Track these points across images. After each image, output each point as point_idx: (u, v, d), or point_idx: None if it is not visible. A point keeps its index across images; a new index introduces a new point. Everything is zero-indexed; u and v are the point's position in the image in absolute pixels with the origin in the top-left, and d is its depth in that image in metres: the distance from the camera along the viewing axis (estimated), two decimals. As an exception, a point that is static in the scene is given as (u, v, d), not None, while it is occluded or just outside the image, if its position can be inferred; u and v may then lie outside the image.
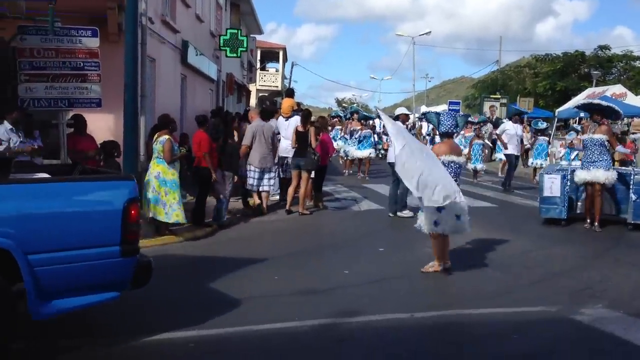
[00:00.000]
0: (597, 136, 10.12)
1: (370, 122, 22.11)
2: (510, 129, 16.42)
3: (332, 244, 9.25)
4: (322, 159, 12.42)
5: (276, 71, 45.73)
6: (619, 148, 10.60)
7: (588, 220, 10.30)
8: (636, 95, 26.02)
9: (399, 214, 11.26)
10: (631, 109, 22.96)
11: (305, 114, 12.06)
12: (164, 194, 9.00)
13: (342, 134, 21.66)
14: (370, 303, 6.24)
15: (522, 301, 6.34)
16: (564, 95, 36.86)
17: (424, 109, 44.99)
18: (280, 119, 12.90)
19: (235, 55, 21.46)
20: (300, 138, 11.59)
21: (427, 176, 6.67)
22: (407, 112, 12.59)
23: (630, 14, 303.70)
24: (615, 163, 14.56)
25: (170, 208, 9.05)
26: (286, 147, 12.28)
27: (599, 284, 7.01)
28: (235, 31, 21.20)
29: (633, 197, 10.12)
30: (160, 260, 8.18)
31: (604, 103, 10.81)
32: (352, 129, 19.56)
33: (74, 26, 9.06)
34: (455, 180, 7.18)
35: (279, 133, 12.46)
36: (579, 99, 27.44)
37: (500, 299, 6.44)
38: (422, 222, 7.35)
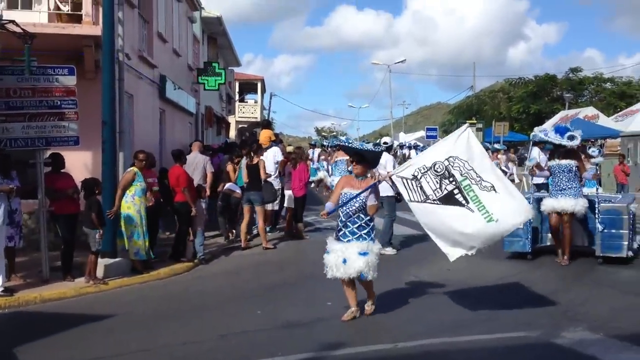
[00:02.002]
0: (565, 162, 9.50)
1: None
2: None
3: (314, 275, 9.21)
4: (300, 190, 12.48)
5: (255, 102, 45.89)
6: (586, 174, 9.86)
7: (560, 252, 9.63)
8: (608, 116, 26.51)
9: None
10: (604, 131, 23.40)
11: (255, 148, 11.95)
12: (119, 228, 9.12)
13: (327, 165, 21.35)
14: (354, 334, 6.24)
15: (503, 327, 6.37)
16: (537, 118, 37.48)
17: (402, 136, 45.44)
18: (259, 150, 12.93)
19: (213, 88, 21.60)
20: (251, 171, 11.49)
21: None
22: (387, 142, 12.42)
23: (599, 37, 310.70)
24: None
25: (127, 243, 9.07)
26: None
27: (578, 306, 7.07)
28: (213, 65, 21.36)
29: (599, 227, 9.26)
30: (141, 298, 8.14)
31: (554, 140, 9.63)
32: (338, 159, 19.25)
33: (50, 65, 9.05)
34: (350, 216, 6.50)
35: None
36: (553, 121, 27.91)
37: (481, 325, 6.47)
38: (369, 266, 6.46)
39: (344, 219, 6.53)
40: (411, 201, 6.48)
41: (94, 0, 10.24)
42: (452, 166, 6.35)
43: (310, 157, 25.11)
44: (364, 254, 6.38)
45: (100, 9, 9.70)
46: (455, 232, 6.44)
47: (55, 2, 10.39)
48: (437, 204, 6.39)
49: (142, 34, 14.23)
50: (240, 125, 43.03)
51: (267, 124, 16.01)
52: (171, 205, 10.53)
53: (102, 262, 8.86)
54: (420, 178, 6.42)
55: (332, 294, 7.91)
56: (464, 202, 6.31)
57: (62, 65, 9.09)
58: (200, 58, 23.13)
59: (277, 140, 15.80)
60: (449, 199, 6.34)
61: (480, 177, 6.32)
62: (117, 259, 9.14)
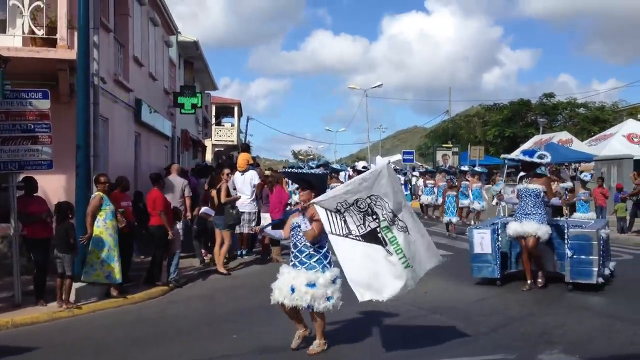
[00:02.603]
0: (532, 186, 9.28)
1: (342, 174, 22.01)
2: None
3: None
4: (278, 212, 12.45)
5: (232, 126, 45.87)
6: (554, 200, 9.59)
7: (528, 281, 9.30)
8: (582, 141, 26.96)
9: None
10: (578, 155, 23.77)
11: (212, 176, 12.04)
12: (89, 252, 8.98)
13: None
14: (333, 357, 6.19)
15: (481, 349, 6.39)
16: (512, 142, 37.96)
17: (379, 159, 45.65)
18: (237, 173, 12.94)
19: (189, 111, 21.59)
20: (218, 196, 11.61)
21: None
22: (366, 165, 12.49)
23: (572, 63, 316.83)
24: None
25: (90, 267, 8.92)
26: (243, 201, 12.33)
27: (555, 329, 7.11)
28: (189, 88, 21.38)
29: (569, 252, 9.02)
30: (115, 323, 8.01)
31: (518, 158, 9.92)
32: None
33: (24, 89, 8.98)
34: (297, 245, 6.30)
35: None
36: (527, 145, 28.30)
37: (461, 348, 6.47)
38: (315, 298, 6.10)
39: (293, 249, 6.32)
40: (332, 233, 5.97)
41: (69, 24, 10.19)
42: (375, 204, 6.00)
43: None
44: (311, 285, 6.06)
45: (76, 33, 9.67)
46: (371, 272, 5.99)
47: (30, 26, 10.33)
48: (359, 240, 5.99)
49: (117, 58, 14.20)
50: (216, 149, 42.94)
51: (246, 147, 16.03)
52: (146, 228, 10.44)
53: (74, 286, 8.72)
54: (344, 212, 5.97)
55: (307, 319, 7.86)
56: (384, 243, 5.98)
57: (36, 89, 9.02)
58: (177, 82, 23.13)
59: (255, 164, 15.78)
60: (372, 236, 5.99)
61: (396, 216, 6.03)
62: (90, 282, 8.99)
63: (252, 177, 12.82)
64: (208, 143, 38.11)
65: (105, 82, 12.13)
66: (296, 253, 6.28)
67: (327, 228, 6.01)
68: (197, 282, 10.75)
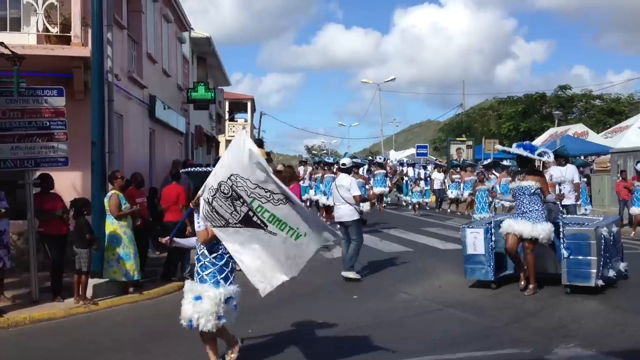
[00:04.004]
0: (525, 183, 8.65)
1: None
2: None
3: (306, 293, 9.19)
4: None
5: (245, 121, 46.01)
6: (549, 197, 8.74)
7: (522, 282, 8.71)
8: (597, 133, 26.72)
9: (344, 273, 10.04)
10: (594, 147, 23.57)
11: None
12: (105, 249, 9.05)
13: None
14: (349, 352, 6.20)
15: (498, 344, 6.36)
16: (527, 135, 37.66)
17: (392, 153, 45.61)
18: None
19: (205, 96, 21.59)
20: None
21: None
22: (345, 163, 10.83)
23: (586, 54, 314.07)
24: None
25: (107, 264, 8.99)
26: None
27: (570, 322, 7.07)
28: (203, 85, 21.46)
29: (565, 253, 8.39)
30: (132, 319, 8.08)
31: (513, 150, 9.01)
32: (327, 177, 18.20)
33: (39, 86, 9.05)
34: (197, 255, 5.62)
35: None
36: (543, 138, 28.11)
37: (476, 342, 6.45)
38: (200, 314, 5.39)
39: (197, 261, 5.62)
40: (214, 227, 5.27)
41: (83, 21, 10.27)
42: (237, 186, 5.10)
43: (301, 175, 25.17)
44: (197, 298, 5.40)
45: (89, 31, 9.73)
46: (266, 259, 5.32)
47: (44, 24, 10.40)
48: (240, 226, 5.22)
49: (131, 55, 14.27)
50: (230, 145, 43.04)
51: (259, 143, 16.02)
52: (161, 224, 10.49)
53: (91, 282, 8.80)
54: (212, 202, 5.20)
55: (323, 312, 7.88)
56: (262, 225, 5.18)
57: (51, 87, 9.09)
58: (190, 78, 23.20)
59: (268, 160, 15.79)
60: (248, 222, 5.19)
61: (269, 190, 5.11)
62: (107, 279, 9.07)
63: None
64: (222, 139, 38.24)
65: (119, 79, 12.20)
66: (197, 263, 5.60)
67: (209, 224, 5.28)
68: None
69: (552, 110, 37.41)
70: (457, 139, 36.89)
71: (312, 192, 20.93)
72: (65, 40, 10.36)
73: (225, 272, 5.51)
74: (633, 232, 15.25)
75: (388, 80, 49.21)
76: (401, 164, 30.87)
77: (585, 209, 15.10)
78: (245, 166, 5.07)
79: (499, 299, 8.43)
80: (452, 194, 22.83)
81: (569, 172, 13.27)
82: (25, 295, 8.74)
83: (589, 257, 8.28)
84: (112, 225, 9.07)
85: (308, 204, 20.28)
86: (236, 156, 5.16)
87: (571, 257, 8.36)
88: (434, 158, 38.12)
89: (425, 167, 26.88)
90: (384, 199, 24.26)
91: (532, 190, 8.57)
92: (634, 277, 9.47)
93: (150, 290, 9.37)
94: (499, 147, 9.81)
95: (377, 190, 22.91)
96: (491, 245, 8.93)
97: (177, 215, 10.02)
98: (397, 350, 6.24)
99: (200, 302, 5.36)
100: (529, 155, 8.71)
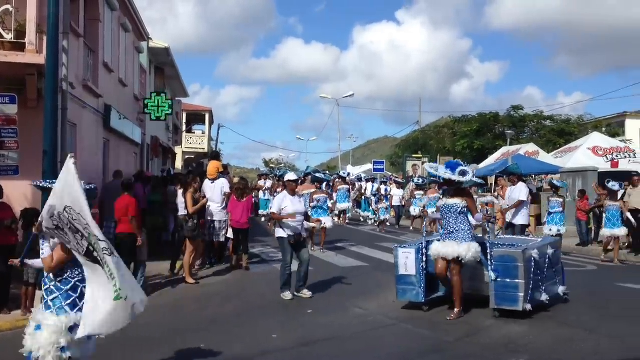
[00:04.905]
0: (451, 202, 8.30)
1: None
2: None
3: (259, 307, 9.15)
4: (246, 222, 12.51)
5: (202, 133, 45.69)
6: (477, 216, 8.43)
7: (455, 309, 8.22)
8: (548, 153, 27.37)
9: (298, 294, 9.74)
10: (544, 166, 24.14)
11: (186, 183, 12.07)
12: None
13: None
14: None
15: (449, 359, 6.44)
16: (481, 153, 38.35)
17: (350, 168, 45.84)
18: (207, 181, 12.88)
19: (161, 117, 21.40)
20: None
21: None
22: (294, 178, 10.30)
23: (538, 76, 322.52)
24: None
25: None
26: (214, 210, 12.34)
27: (519, 338, 7.20)
28: (160, 96, 21.23)
29: (492, 275, 8.06)
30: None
31: (442, 175, 8.49)
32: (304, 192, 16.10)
33: (-9, 93, 8.86)
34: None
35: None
36: (496, 157, 28.67)
37: (429, 356, 6.53)
38: (39, 345, 4.75)
39: None
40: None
41: (38, 28, 10.08)
42: (73, 219, 4.57)
43: (264, 187, 25.16)
44: (37, 327, 4.82)
45: (45, 38, 9.56)
46: (96, 303, 4.63)
47: (-2, 30, 10.19)
48: (87, 259, 4.62)
49: (87, 63, 14.06)
50: (187, 156, 42.69)
51: (215, 155, 15.85)
52: (114, 236, 10.32)
53: (39, 294, 8.56)
54: (57, 230, 4.68)
55: (278, 327, 7.87)
56: (102, 263, 4.58)
57: (4, 94, 8.91)
58: (147, 88, 22.96)
59: (226, 172, 15.71)
60: (90, 256, 4.59)
61: (96, 235, 4.55)
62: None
63: (223, 185, 12.79)
64: (178, 150, 37.89)
65: (74, 87, 12.00)
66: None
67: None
68: (166, 290, 10.65)
69: (505, 129, 38.22)
70: (413, 155, 37.37)
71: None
72: (19, 47, 10.14)
73: (73, 298, 4.86)
74: (603, 255, 14.71)
75: (347, 96, 49.66)
76: (359, 179, 31.08)
77: (559, 230, 14.45)
78: (73, 197, 4.57)
79: (451, 314, 8.52)
80: (414, 211, 22.82)
81: (516, 191, 13.22)
82: (-30, 308, 8.47)
83: (517, 280, 7.96)
84: None
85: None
86: (67, 186, 4.63)
87: (499, 279, 8.04)
88: (389, 174, 38.44)
89: (385, 183, 27.02)
90: (347, 214, 24.49)
91: (459, 209, 8.22)
92: (581, 293, 9.72)
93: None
94: (427, 166, 9.12)
95: (341, 206, 23.08)
96: (422, 266, 8.58)
97: (127, 227, 9.89)
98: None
99: (40, 332, 4.75)
100: (451, 177, 8.29)
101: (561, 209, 14.48)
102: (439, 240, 8.41)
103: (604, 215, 14.81)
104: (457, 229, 8.20)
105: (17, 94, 9.14)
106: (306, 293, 9.72)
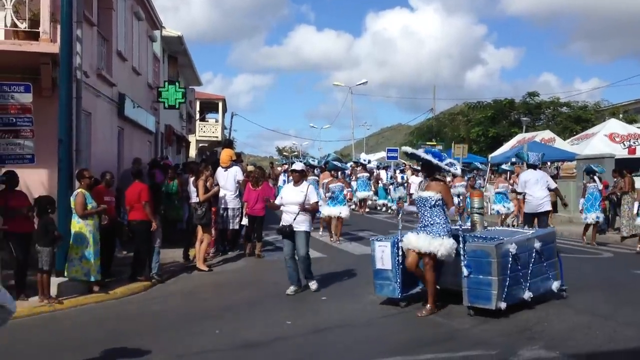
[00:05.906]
0: (425, 194, 7.78)
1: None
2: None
3: (273, 294, 9.18)
4: (262, 209, 12.51)
5: (216, 122, 45.74)
6: (451, 210, 7.99)
7: (427, 305, 7.77)
8: (564, 140, 27.18)
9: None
10: (560, 154, 23.98)
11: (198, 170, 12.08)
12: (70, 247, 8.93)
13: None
14: (313, 354, 6.21)
15: (463, 345, 6.42)
16: (496, 140, 38.14)
17: (363, 156, 45.79)
18: (219, 169, 12.91)
19: (175, 105, 21.43)
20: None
21: None
22: (299, 168, 9.73)
23: (554, 62, 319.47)
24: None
25: (69, 263, 8.88)
26: (227, 197, 12.40)
27: (535, 325, 7.17)
28: (174, 84, 21.26)
29: (465, 271, 7.49)
30: (97, 318, 7.98)
31: (423, 156, 7.99)
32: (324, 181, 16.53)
33: (6, 82, 8.91)
34: None
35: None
36: (511, 144, 28.49)
37: (443, 343, 6.51)
38: None
39: None
40: None
41: (52, 17, 10.11)
42: None
43: (278, 174, 25.23)
44: None
45: (59, 27, 9.59)
46: None
47: (12, 19, 10.23)
48: None
49: (101, 52, 14.10)
50: (200, 145, 42.80)
51: (228, 143, 15.95)
52: (127, 223, 10.39)
53: (56, 281, 8.68)
54: None
55: (292, 313, 7.90)
56: None
57: (19, 83, 8.97)
58: (161, 77, 23.01)
59: (239, 160, 15.75)
60: None
61: None
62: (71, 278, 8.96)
63: (236, 173, 12.82)
64: (192, 139, 37.97)
65: (88, 76, 12.04)
66: None
67: None
68: (180, 277, 10.73)
69: (520, 116, 37.90)
70: (427, 143, 37.17)
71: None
72: (33, 36, 10.18)
73: None
74: (589, 240, 14.66)
75: (360, 84, 49.43)
76: (377, 167, 30.98)
77: (597, 217, 14.31)
78: None
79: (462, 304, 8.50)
80: None
81: (542, 179, 12.11)
82: (-12, 294, 8.56)
83: (490, 277, 7.38)
84: (77, 224, 8.95)
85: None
86: None
87: (472, 275, 7.48)
88: (402, 162, 38.32)
89: (402, 171, 26.87)
90: (367, 202, 24.26)
91: (433, 202, 7.69)
92: (597, 282, 9.66)
93: (115, 290, 9.27)
94: (406, 149, 8.24)
95: (361, 194, 22.98)
96: (397, 260, 8.07)
97: (140, 214, 9.94)
98: (365, 351, 6.27)
99: None
100: (438, 163, 7.87)
101: (599, 195, 14.27)
102: (414, 233, 7.91)
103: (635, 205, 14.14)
104: (432, 222, 7.71)
105: (31, 82, 9.18)
106: (312, 286, 9.38)
